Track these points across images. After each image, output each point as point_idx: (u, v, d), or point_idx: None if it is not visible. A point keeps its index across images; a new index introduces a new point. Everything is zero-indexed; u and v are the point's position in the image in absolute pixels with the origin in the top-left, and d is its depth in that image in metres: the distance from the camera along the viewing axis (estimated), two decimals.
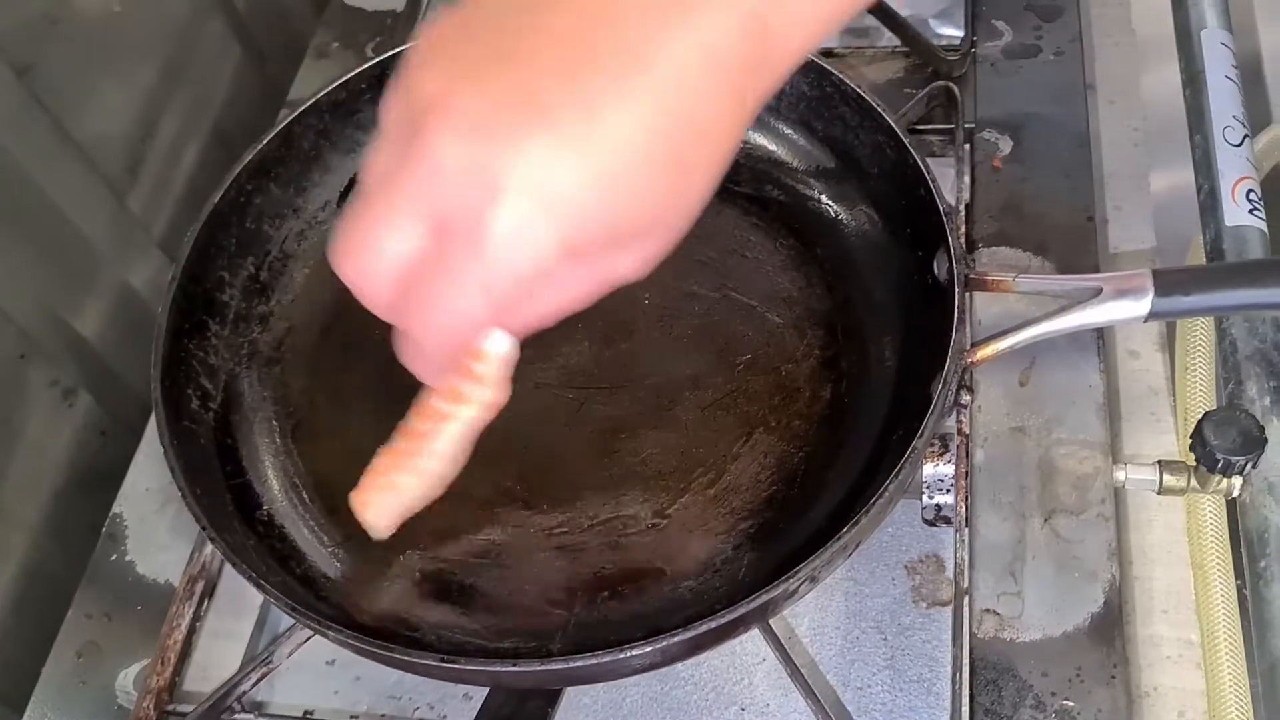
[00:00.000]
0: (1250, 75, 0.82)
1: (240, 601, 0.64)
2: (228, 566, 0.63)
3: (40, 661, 0.62)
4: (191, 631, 0.62)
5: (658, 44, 0.37)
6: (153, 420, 0.71)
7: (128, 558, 0.65)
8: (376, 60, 0.67)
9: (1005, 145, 0.70)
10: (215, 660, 0.63)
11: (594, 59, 0.37)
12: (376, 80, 0.68)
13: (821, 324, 0.62)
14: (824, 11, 0.40)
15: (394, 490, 0.52)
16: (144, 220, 0.79)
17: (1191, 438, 0.55)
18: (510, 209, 0.37)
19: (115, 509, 0.67)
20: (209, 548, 0.63)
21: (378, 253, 0.40)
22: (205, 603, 0.63)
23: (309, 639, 0.59)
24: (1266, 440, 0.55)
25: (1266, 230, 0.65)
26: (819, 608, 0.61)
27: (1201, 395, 0.64)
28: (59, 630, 0.63)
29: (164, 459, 0.55)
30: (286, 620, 0.64)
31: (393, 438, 0.55)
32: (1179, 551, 0.62)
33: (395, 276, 0.41)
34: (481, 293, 0.39)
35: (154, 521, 0.66)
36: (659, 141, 0.38)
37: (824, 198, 0.65)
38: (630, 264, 0.42)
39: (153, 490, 0.67)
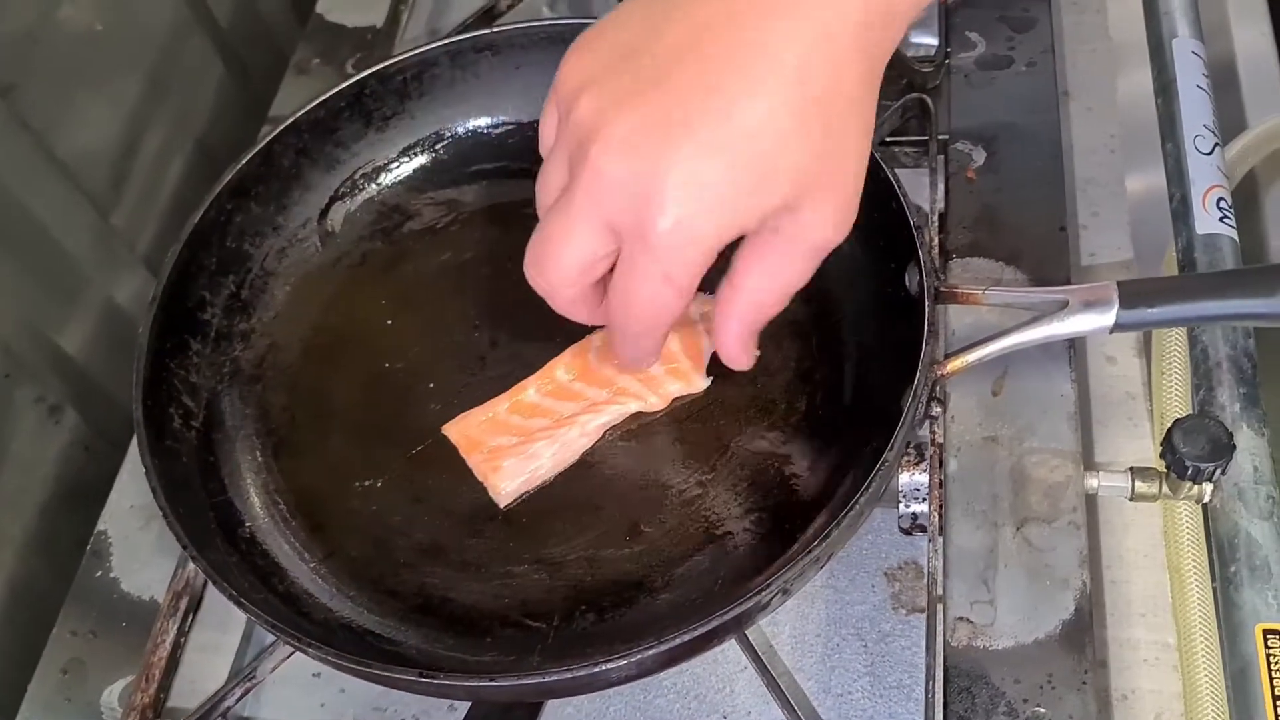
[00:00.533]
0: (1225, 79, 0.83)
1: (226, 615, 0.65)
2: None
3: (26, 678, 0.63)
4: (176, 647, 0.62)
5: (778, 33, 0.43)
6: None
7: (112, 574, 0.65)
8: (355, 79, 0.68)
9: (979, 156, 0.71)
10: (202, 674, 0.63)
11: (725, 68, 0.43)
12: (355, 99, 0.69)
13: (797, 337, 0.63)
14: None
15: (532, 458, 0.59)
16: (128, 236, 0.79)
17: (1162, 444, 0.56)
18: (668, 212, 0.43)
19: (100, 526, 0.68)
20: (193, 564, 0.63)
21: (563, 262, 0.47)
22: (190, 618, 0.63)
23: (292, 653, 0.59)
24: (1235, 447, 0.56)
25: (1237, 238, 0.66)
26: (800, 615, 0.61)
27: (1177, 400, 0.64)
28: (44, 647, 0.63)
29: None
30: (271, 635, 0.65)
31: (512, 406, 0.61)
32: (1156, 555, 0.62)
33: (583, 280, 0.47)
34: (665, 283, 0.45)
35: (138, 538, 0.67)
36: (791, 112, 0.43)
37: None
38: (818, 226, 0.46)
39: (137, 507, 0.68)
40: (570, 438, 0.59)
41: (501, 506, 0.59)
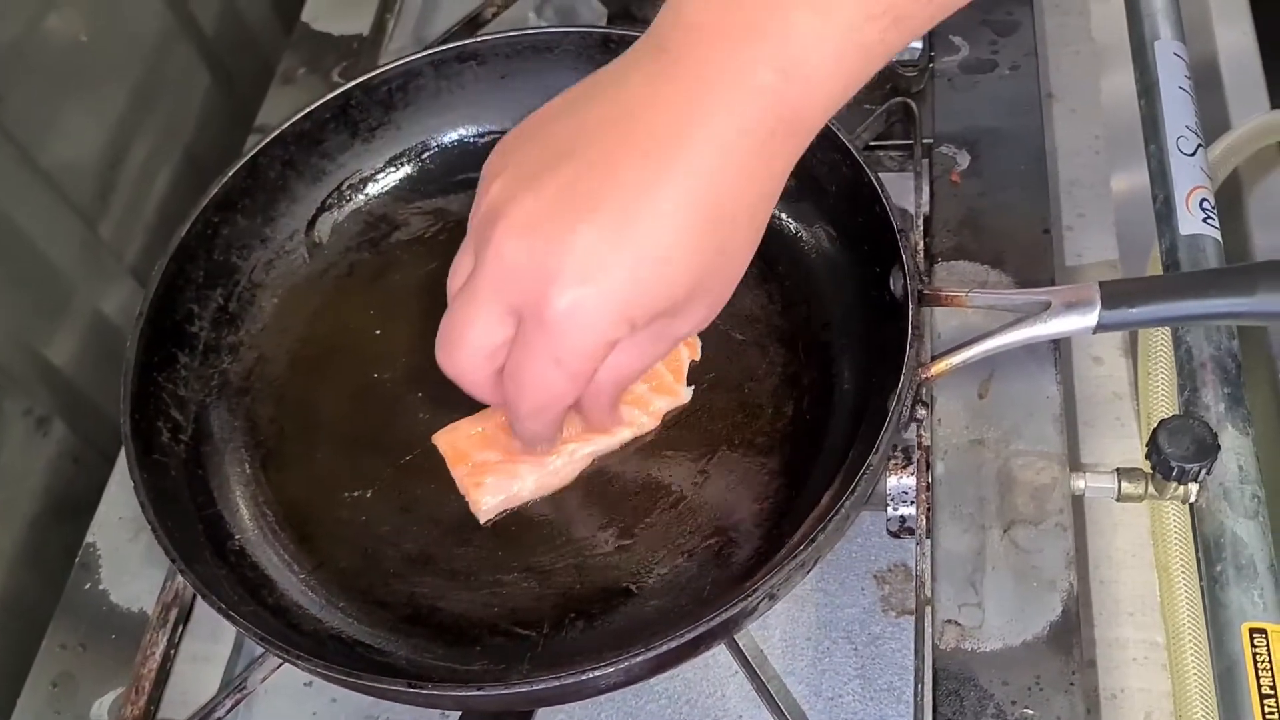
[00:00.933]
0: (1208, 79, 0.83)
1: (217, 625, 0.65)
2: None
3: (15, 692, 0.63)
4: (166, 659, 0.62)
5: (684, 132, 0.43)
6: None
7: (101, 587, 0.65)
8: (340, 90, 0.68)
9: (963, 160, 0.71)
10: (192, 685, 0.63)
11: (628, 152, 0.43)
12: (340, 110, 0.69)
13: (783, 341, 0.63)
14: (838, 84, 0.44)
15: (515, 478, 0.59)
16: (115, 247, 0.79)
17: (1147, 445, 0.57)
18: (565, 294, 0.43)
19: (89, 538, 0.68)
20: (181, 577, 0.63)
21: (468, 348, 0.47)
22: (180, 630, 0.63)
23: (282, 664, 0.59)
24: (1219, 447, 0.56)
25: (1221, 239, 0.66)
26: (790, 619, 0.61)
27: (1163, 400, 0.65)
28: (34, 660, 0.63)
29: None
30: (260, 647, 0.65)
31: (503, 423, 0.59)
32: (1144, 555, 0.63)
33: (488, 365, 0.48)
34: (555, 366, 0.46)
35: (127, 550, 0.67)
36: (695, 219, 0.43)
37: (783, 215, 0.66)
38: (691, 324, 0.47)
39: (125, 519, 0.68)
40: (556, 464, 0.59)
41: (482, 522, 0.59)
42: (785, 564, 0.48)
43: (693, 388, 0.61)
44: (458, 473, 0.60)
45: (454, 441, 0.60)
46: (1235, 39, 0.85)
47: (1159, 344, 0.66)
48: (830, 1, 0.42)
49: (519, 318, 0.46)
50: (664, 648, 0.47)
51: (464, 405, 0.62)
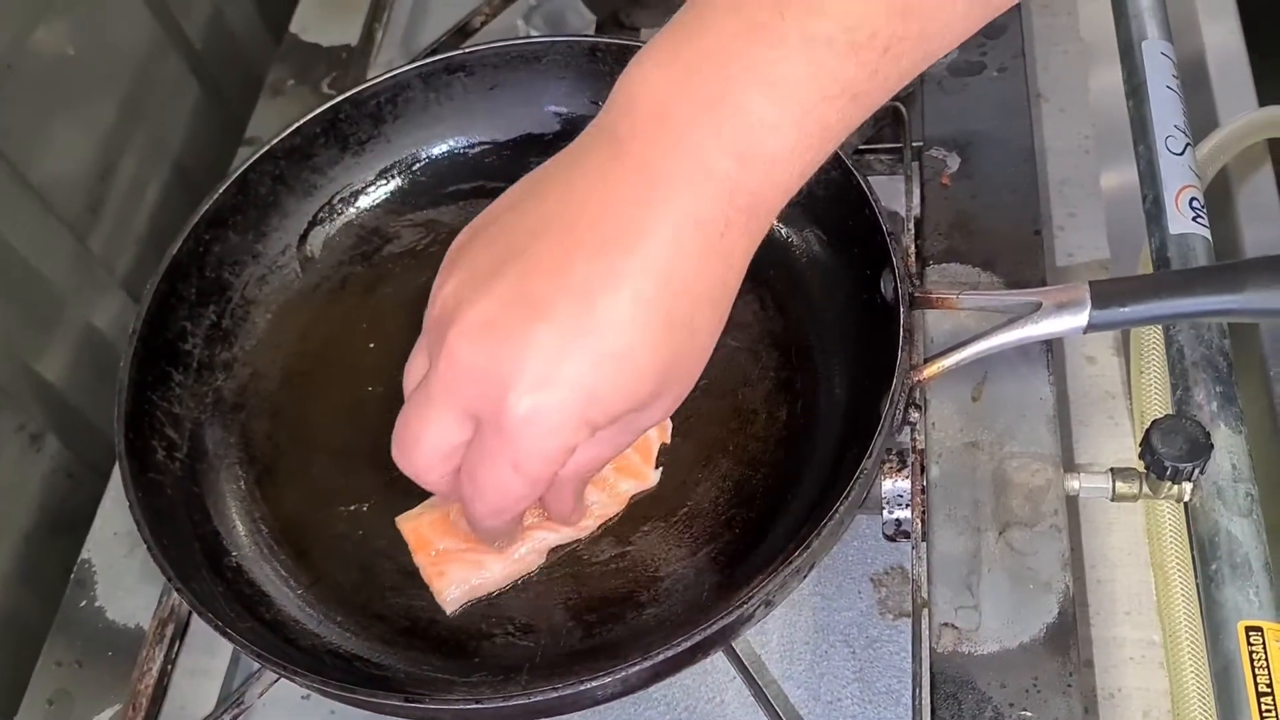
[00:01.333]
0: (1195, 77, 0.83)
1: (214, 640, 0.64)
2: None
3: (12, 711, 0.62)
4: (163, 675, 0.62)
5: (637, 227, 0.41)
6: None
7: (97, 603, 0.65)
8: (329, 104, 0.68)
9: (953, 162, 0.71)
10: (190, 700, 0.63)
11: (580, 249, 0.41)
12: (330, 124, 0.69)
13: (776, 346, 0.63)
14: (796, 166, 0.43)
15: (479, 568, 0.57)
16: (106, 260, 0.79)
17: (1140, 445, 0.57)
18: (522, 401, 0.42)
19: (84, 554, 0.67)
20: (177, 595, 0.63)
21: (424, 449, 0.46)
22: (177, 645, 0.63)
23: (279, 679, 0.59)
24: (1213, 446, 0.56)
25: (1210, 237, 0.66)
26: (788, 623, 0.61)
27: (1156, 399, 0.65)
28: (30, 678, 0.63)
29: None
30: (257, 664, 0.65)
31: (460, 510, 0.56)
32: (1139, 553, 0.63)
33: (445, 465, 0.47)
34: (513, 471, 0.44)
35: (123, 566, 0.66)
36: (653, 318, 0.42)
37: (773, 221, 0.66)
38: (654, 417, 0.46)
39: (121, 535, 0.68)
40: (521, 554, 0.57)
41: (448, 613, 0.57)
42: (781, 570, 0.48)
43: (660, 470, 0.60)
44: (420, 560, 0.58)
45: (417, 528, 0.58)
46: (1222, 37, 0.85)
47: (1151, 343, 0.66)
48: (786, 84, 0.40)
49: (476, 421, 0.44)
50: (661, 657, 0.47)
51: None
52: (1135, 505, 0.63)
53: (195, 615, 0.63)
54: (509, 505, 0.47)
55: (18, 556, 0.71)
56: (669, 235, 0.41)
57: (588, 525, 0.59)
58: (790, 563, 0.48)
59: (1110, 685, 0.60)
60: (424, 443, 0.46)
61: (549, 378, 0.41)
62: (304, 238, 0.70)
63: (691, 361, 0.45)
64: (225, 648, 0.65)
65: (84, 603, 0.65)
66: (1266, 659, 0.54)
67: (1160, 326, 0.66)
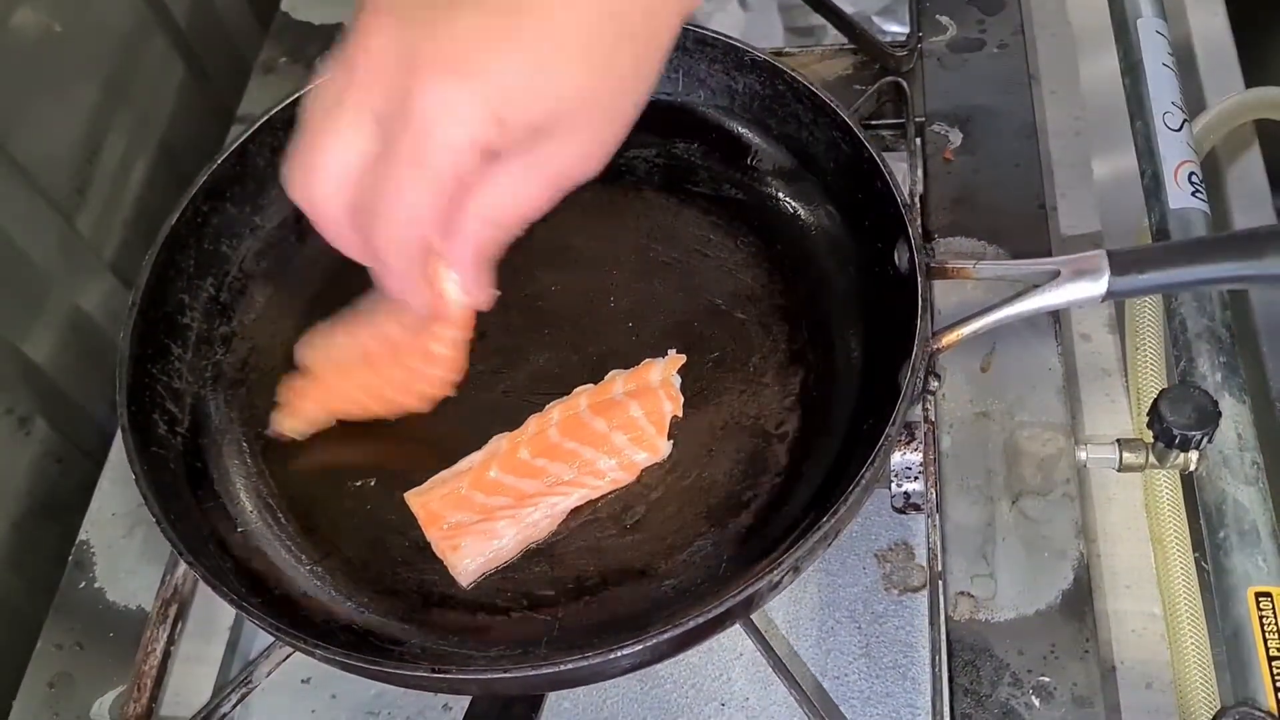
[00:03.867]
0: (1183, 60, 0.84)
1: (211, 625, 0.64)
2: (200, 590, 0.63)
3: (11, 695, 0.61)
4: (167, 655, 0.61)
5: None
6: (116, 446, 0.70)
7: (96, 585, 0.64)
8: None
9: (955, 137, 0.71)
10: (187, 685, 0.62)
11: None
12: None
13: (786, 319, 0.63)
14: None
15: (494, 537, 0.56)
16: (93, 242, 0.77)
17: (1148, 415, 0.57)
18: (430, 82, 0.39)
19: (81, 536, 0.66)
20: (180, 570, 0.62)
21: (327, 162, 0.42)
22: (179, 626, 0.62)
23: (287, 657, 0.58)
24: (1220, 415, 0.57)
25: (1209, 212, 0.67)
26: (794, 600, 0.61)
27: (1152, 374, 0.65)
28: (28, 663, 0.62)
29: (129, 484, 0.55)
30: (259, 642, 0.64)
31: (473, 483, 0.58)
32: (1139, 528, 0.63)
33: (345, 189, 0.42)
34: (414, 170, 0.40)
35: (122, 547, 0.65)
36: (584, 23, 0.40)
37: (782, 195, 0.66)
38: (571, 157, 0.43)
39: (119, 515, 0.66)
40: (534, 518, 0.57)
41: (464, 585, 0.56)
42: (810, 535, 0.48)
43: (672, 442, 0.60)
44: (432, 535, 0.57)
45: (427, 503, 0.58)
46: (1207, 20, 0.86)
47: (1147, 319, 0.67)
48: None
49: (385, 128, 0.41)
50: (689, 624, 0.47)
51: (461, 388, 0.62)
52: (1134, 482, 0.64)
53: (196, 596, 0.63)
54: (411, 219, 0.42)
55: (9, 541, 0.69)
56: None
57: (602, 488, 0.58)
58: (819, 529, 0.48)
59: (1113, 658, 0.60)
60: (328, 155, 0.42)
61: (464, 60, 0.39)
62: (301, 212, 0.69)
63: (611, 96, 0.42)
64: (220, 635, 0.64)
65: (83, 584, 0.64)
66: (1277, 624, 0.54)
67: (1159, 301, 0.66)
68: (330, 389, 0.60)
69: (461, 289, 0.48)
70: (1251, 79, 0.83)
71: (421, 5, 0.40)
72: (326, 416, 0.60)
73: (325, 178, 0.43)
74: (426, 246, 0.44)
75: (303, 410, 0.60)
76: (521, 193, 0.43)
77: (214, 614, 0.64)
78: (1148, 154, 0.69)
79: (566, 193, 0.44)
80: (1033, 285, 0.54)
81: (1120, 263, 0.53)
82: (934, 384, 0.54)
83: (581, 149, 0.43)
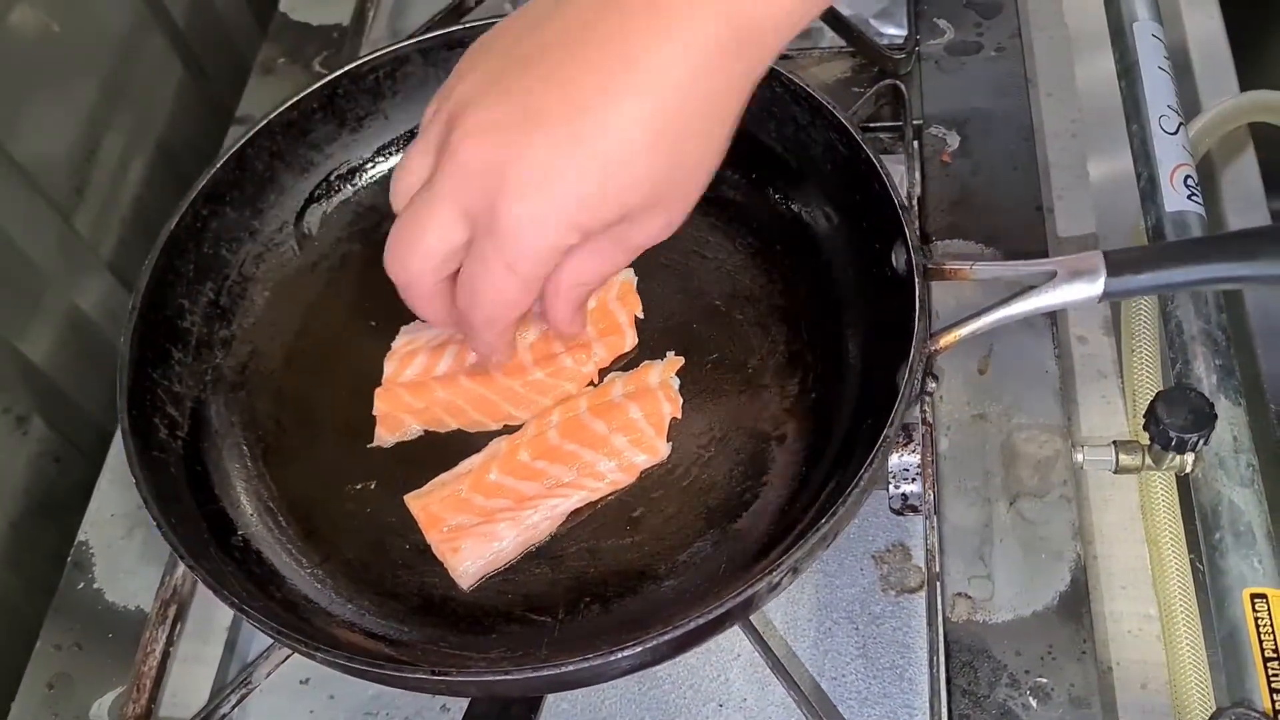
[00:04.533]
0: (1178, 63, 0.84)
1: (207, 627, 0.64)
2: (199, 591, 0.63)
3: (10, 696, 0.61)
4: (166, 656, 0.61)
5: (640, 43, 0.44)
6: (115, 447, 0.70)
7: (96, 585, 0.64)
8: (327, 79, 0.67)
9: (953, 140, 0.72)
10: (185, 686, 0.62)
11: (585, 63, 0.44)
12: (328, 100, 0.68)
13: (784, 320, 0.63)
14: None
15: (494, 539, 0.56)
16: (91, 241, 0.77)
17: (1145, 417, 0.57)
18: (517, 200, 0.44)
19: (81, 536, 0.66)
20: (180, 571, 0.62)
21: (422, 250, 0.47)
22: (178, 627, 0.62)
23: (286, 659, 0.58)
24: (1216, 417, 0.57)
25: (1205, 215, 0.67)
26: (791, 601, 0.61)
27: (1148, 376, 0.66)
28: (27, 663, 0.62)
29: (128, 484, 0.55)
30: (258, 643, 0.64)
31: (473, 485, 0.59)
32: (1135, 529, 0.64)
33: (441, 271, 0.48)
34: (507, 271, 0.46)
35: (121, 548, 0.65)
36: (648, 130, 0.44)
37: (779, 196, 0.66)
38: (649, 233, 0.48)
39: (118, 516, 0.66)
40: (534, 520, 0.57)
41: (465, 588, 0.57)
42: (809, 536, 0.48)
43: (671, 444, 0.60)
44: (432, 538, 0.58)
45: (426, 505, 0.58)
46: (1203, 23, 0.87)
47: (1142, 321, 0.67)
48: None
49: (473, 225, 0.46)
50: (690, 625, 0.47)
51: None
52: (1129, 484, 0.64)
53: (196, 596, 0.63)
54: (504, 309, 0.48)
55: (6, 541, 0.69)
56: (669, 55, 0.43)
57: (600, 490, 0.59)
58: (817, 530, 0.48)
59: (1109, 659, 0.60)
60: (424, 243, 0.47)
61: (543, 181, 0.44)
62: (301, 215, 0.69)
63: (685, 183, 0.47)
64: (218, 636, 0.64)
65: (82, 585, 0.64)
66: (1272, 625, 0.55)
67: (1155, 303, 0.67)
68: (434, 400, 0.61)
69: (559, 334, 0.57)
70: (1246, 82, 0.83)
71: (504, 110, 0.45)
72: (419, 427, 0.62)
73: (421, 259, 0.48)
74: (517, 318, 0.50)
75: (399, 423, 0.61)
76: (606, 264, 0.49)
77: (213, 615, 0.64)
78: (1144, 157, 0.69)
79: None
80: (1030, 286, 0.55)
81: (1117, 263, 0.53)
82: (931, 385, 0.55)
83: (658, 229, 0.48)
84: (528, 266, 0.46)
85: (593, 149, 0.44)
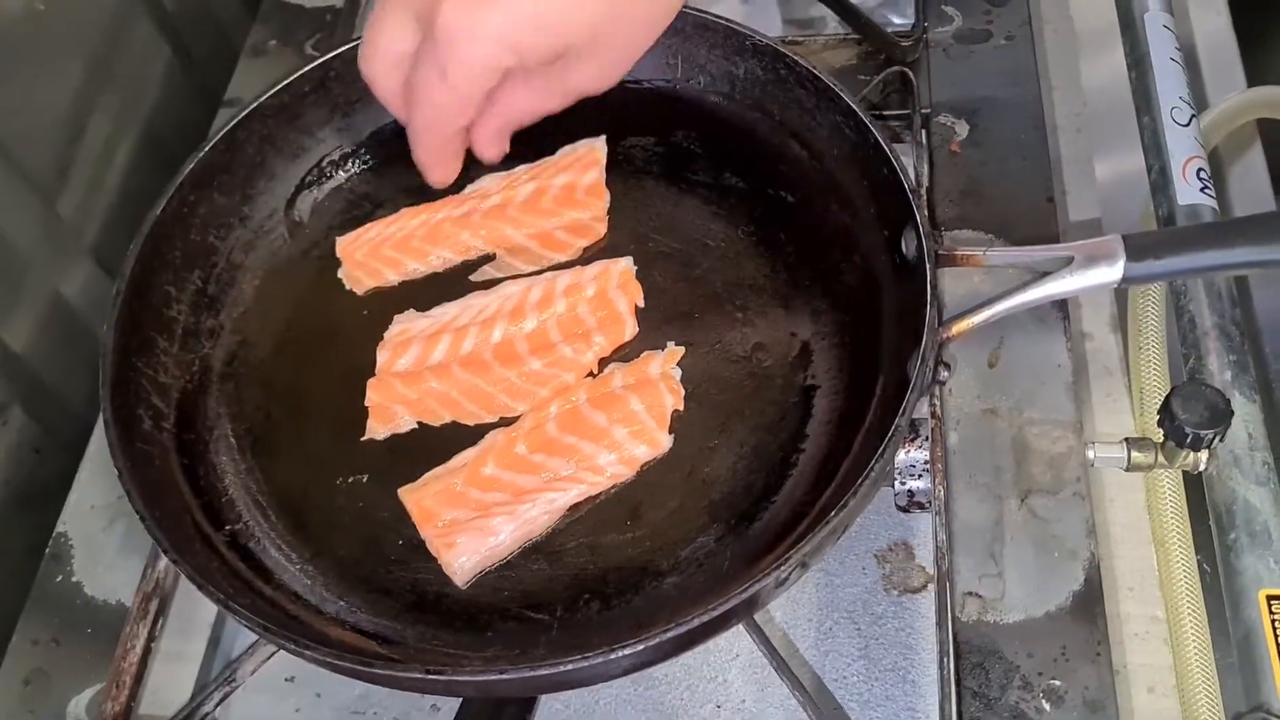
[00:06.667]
0: (1185, 60, 0.83)
1: (190, 622, 0.62)
2: (182, 584, 0.61)
3: None
4: (147, 652, 0.59)
5: None
6: (96, 436, 0.68)
7: (74, 578, 0.62)
8: (318, 62, 0.66)
9: (962, 129, 0.70)
10: (166, 682, 0.60)
11: None
12: (320, 83, 0.66)
13: (789, 309, 0.61)
14: None
15: (490, 534, 0.55)
16: (75, 226, 0.76)
17: (1159, 413, 0.56)
18: (456, 6, 0.46)
19: (59, 528, 0.64)
20: (162, 564, 0.60)
21: (378, 51, 0.51)
22: (160, 622, 0.60)
23: (272, 655, 0.57)
24: (1233, 413, 0.55)
25: (1218, 207, 0.66)
26: (791, 600, 0.60)
27: (1155, 373, 0.64)
28: (3, 659, 0.60)
29: (109, 475, 0.53)
30: (242, 639, 0.62)
31: (468, 479, 0.57)
32: (1141, 530, 0.62)
33: (395, 72, 0.51)
34: (441, 80, 0.48)
35: (101, 540, 0.64)
36: None
37: (783, 182, 0.65)
38: (583, 78, 0.51)
39: (99, 507, 0.65)
40: (532, 515, 0.56)
41: (460, 585, 0.55)
42: (818, 531, 0.46)
43: (673, 436, 0.58)
44: (426, 532, 0.56)
45: (421, 499, 0.57)
46: (1210, 19, 0.86)
47: (1150, 317, 0.66)
48: None
49: (422, 30, 0.48)
50: (695, 623, 0.45)
51: None
52: (1135, 483, 0.63)
53: (178, 590, 0.61)
54: (439, 117, 0.51)
55: None
56: None
57: (601, 484, 0.57)
58: (827, 523, 0.46)
59: (1116, 661, 0.59)
60: (377, 44, 0.51)
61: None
62: (292, 201, 0.67)
63: (626, 30, 0.50)
64: (201, 632, 0.62)
65: (60, 578, 0.62)
66: None
67: (1162, 298, 0.65)
68: (428, 391, 0.60)
69: (476, 152, 0.56)
70: (1253, 78, 0.82)
71: None
72: (412, 418, 0.61)
73: (378, 58, 0.51)
74: (452, 131, 0.52)
75: (392, 415, 0.60)
76: (537, 102, 0.52)
77: (196, 609, 0.62)
78: (1155, 149, 0.68)
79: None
80: (1044, 273, 0.53)
81: (1136, 247, 0.52)
82: (944, 374, 0.53)
83: (595, 71, 0.51)
84: (460, 77, 0.48)
85: None
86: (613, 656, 0.45)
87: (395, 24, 0.50)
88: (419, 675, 0.46)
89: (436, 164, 0.55)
